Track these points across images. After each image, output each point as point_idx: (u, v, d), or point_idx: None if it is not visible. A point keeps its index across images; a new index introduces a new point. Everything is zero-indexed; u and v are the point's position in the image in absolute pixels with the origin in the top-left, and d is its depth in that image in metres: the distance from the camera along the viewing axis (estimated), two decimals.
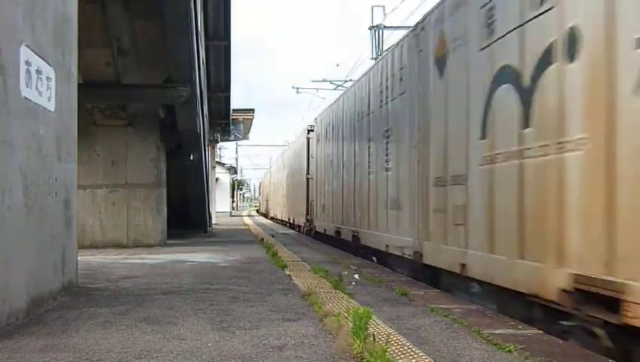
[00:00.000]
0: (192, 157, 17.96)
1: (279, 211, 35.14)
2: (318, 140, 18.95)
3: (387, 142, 10.63)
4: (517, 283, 5.82)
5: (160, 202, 14.88)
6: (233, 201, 65.29)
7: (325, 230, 17.38)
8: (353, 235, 13.37)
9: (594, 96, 4.69)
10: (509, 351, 4.33)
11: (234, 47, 24.26)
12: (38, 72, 5.64)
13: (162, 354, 4.06)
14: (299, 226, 24.03)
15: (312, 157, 20.20)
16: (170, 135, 15.57)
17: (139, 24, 13.33)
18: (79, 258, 7.52)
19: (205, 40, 18.69)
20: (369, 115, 11.99)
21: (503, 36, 6.11)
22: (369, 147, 11.95)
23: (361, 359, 3.83)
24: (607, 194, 4.46)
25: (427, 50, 8.44)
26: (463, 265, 6.99)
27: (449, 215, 7.56)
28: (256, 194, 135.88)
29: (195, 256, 12.02)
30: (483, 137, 6.62)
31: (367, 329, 4.07)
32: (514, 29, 5.87)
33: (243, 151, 64.53)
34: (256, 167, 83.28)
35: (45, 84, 5.82)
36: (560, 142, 5.09)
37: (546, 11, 5.35)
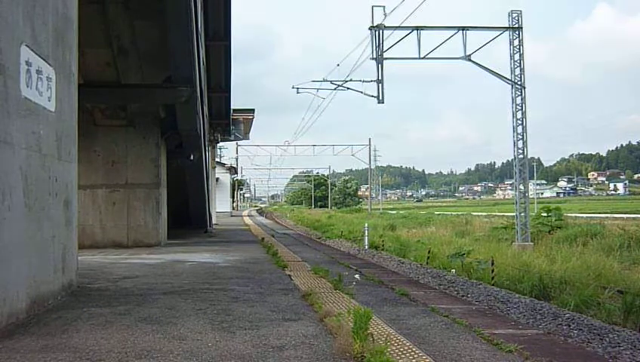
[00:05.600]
0: (192, 157, 17.95)
1: None
2: None
3: None
4: None
5: (160, 202, 14.87)
6: (233, 201, 65.28)
7: None
8: None
9: None
10: (510, 351, 4.33)
11: (234, 46, 24.16)
12: (39, 71, 5.64)
13: (162, 354, 4.06)
14: None
15: None
16: (170, 135, 15.57)
17: (139, 24, 13.32)
18: (79, 258, 7.52)
19: (205, 40, 18.69)
20: None
21: None
22: None
23: (362, 359, 3.83)
24: None
25: None
26: None
27: None
28: (257, 194, 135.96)
29: (196, 256, 12.01)
30: None
31: (367, 329, 4.07)
32: None
33: (243, 151, 64.44)
34: (257, 167, 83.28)
35: (45, 84, 5.82)
36: None
37: None
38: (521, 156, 20.38)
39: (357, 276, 9.00)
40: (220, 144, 40.07)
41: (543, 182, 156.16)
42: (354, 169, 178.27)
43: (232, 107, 28.25)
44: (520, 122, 20.14)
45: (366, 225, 23.21)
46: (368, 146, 65.34)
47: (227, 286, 7.42)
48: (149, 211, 14.72)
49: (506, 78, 20.36)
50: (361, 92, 23.53)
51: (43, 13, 5.82)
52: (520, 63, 20.17)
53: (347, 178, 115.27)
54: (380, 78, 21.34)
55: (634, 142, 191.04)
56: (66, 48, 6.57)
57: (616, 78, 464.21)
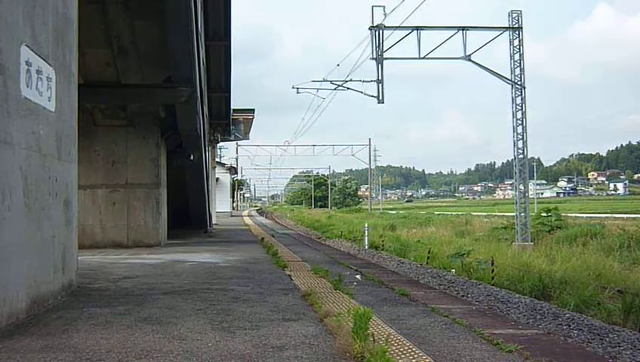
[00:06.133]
0: (192, 158, 17.95)
1: None
2: None
3: None
4: None
5: (160, 202, 14.86)
6: (233, 201, 65.30)
7: None
8: None
9: None
10: (510, 351, 4.33)
11: (234, 46, 24.13)
12: (39, 72, 5.63)
13: (162, 354, 4.06)
14: None
15: None
16: (170, 135, 15.56)
17: (139, 24, 13.31)
18: (79, 258, 7.52)
19: (205, 40, 18.70)
20: None
21: None
22: None
23: (362, 359, 3.82)
24: None
25: None
26: None
27: None
28: (257, 194, 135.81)
29: (196, 256, 12.01)
30: None
31: (367, 329, 4.07)
32: None
33: (243, 151, 64.51)
34: (257, 167, 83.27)
35: (45, 84, 5.82)
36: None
37: None
38: (521, 156, 20.38)
39: (357, 276, 9.01)
40: (220, 144, 40.10)
41: (543, 182, 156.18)
42: (354, 169, 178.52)
43: (232, 107, 28.25)
44: (520, 122, 20.14)
45: (366, 225, 23.21)
46: (368, 146, 65.45)
47: (227, 286, 7.42)
48: (149, 211, 14.72)
49: (506, 78, 20.36)
50: (361, 92, 23.56)
51: (43, 13, 5.82)
52: (520, 63, 20.17)
53: (347, 178, 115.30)
54: (379, 78, 21.34)
55: (634, 142, 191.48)
56: (66, 48, 6.57)
57: (616, 78, 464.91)
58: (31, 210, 5.47)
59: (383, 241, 21.20)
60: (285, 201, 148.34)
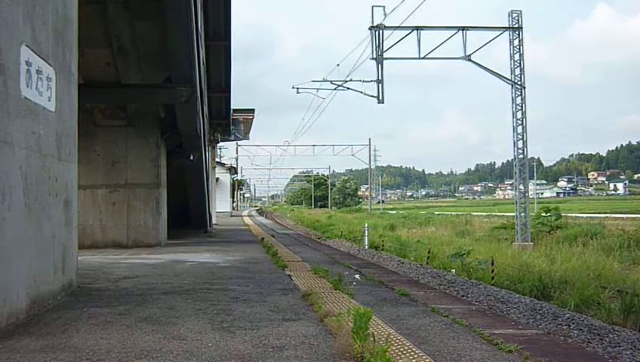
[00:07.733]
0: (192, 157, 17.95)
1: None
2: None
3: None
4: None
5: (160, 202, 14.86)
6: (233, 201, 65.30)
7: None
8: None
9: None
10: (510, 351, 4.33)
11: (234, 46, 24.20)
12: (39, 71, 5.63)
13: (162, 354, 4.06)
14: None
15: None
16: (170, 135, 15.56)
17: (139, 24, 13.31)
18: (79, 258, 7.51)
19: (205, 40, 18.69)
20: None
21: None
22: None
23: (362, 359, 3.82)
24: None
25: None
26: None
27: None
28: (257, 194, 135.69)
29: (196, 256, 12.01)
30: None
31: (367, 329, 4.07)
32: None
33: (243, 151, 64.53)
34: (257, 167, 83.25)
35: (45, 84, 5.82)
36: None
37: None
38: (521, 156, 20.39)
39: (357, 276, 9.01)
40: (220, 144, 40.09)
41: (543, 182, 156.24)
42: (354, 169, 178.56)
43: (232, 107, 28.25)
44: (520, 122, 20.16)
45: (366, 225, 23.21)
46: (368, 146, 65.51)
47: (227, 286, 7.42)
48: (149, 211, 14.71)
49: (506, 78, 20.37)
50: (361, 92, 23.59)
51: (43, 13, 5.82)
52: (520, 63, 20.19)
53: (347, 178, 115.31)
54: (379, 78, 21.36)
55: (634, 142, 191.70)
56: (66, 48, 6.57)
57: (616, 78, 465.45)
58: (31, 210, 5.47)
59: (382, 241, 21.21)
60: (285, 201, 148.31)
